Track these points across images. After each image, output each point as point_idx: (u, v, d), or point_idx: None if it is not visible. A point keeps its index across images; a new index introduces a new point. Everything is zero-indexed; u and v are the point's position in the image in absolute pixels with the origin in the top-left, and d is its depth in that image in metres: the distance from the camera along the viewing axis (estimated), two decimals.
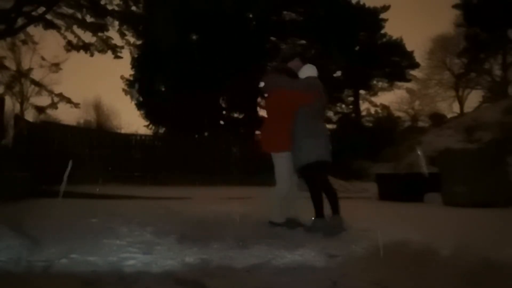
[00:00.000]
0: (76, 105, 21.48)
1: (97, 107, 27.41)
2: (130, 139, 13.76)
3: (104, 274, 1.96)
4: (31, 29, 15.97)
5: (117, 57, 16.76)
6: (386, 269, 2.15)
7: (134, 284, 1.83)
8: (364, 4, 21.02)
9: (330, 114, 21.09)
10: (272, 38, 20.67)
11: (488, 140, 10.47)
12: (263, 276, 2.03)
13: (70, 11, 15.06)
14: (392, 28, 34.77)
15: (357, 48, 21.20)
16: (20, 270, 2.00)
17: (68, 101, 21.07)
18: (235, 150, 15.17)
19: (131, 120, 48.96)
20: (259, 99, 19.16)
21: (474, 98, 30.97)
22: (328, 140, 3.53)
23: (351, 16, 19.53)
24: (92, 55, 16.47)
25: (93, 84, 46.20)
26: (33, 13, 13.85)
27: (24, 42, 17.07)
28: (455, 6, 21.95)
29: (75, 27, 15.74)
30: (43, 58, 18.93)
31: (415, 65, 22.88)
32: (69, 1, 14.53)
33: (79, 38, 16.06)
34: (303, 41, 20.94)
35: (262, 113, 19.56)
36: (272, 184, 3.65)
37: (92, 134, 13.99)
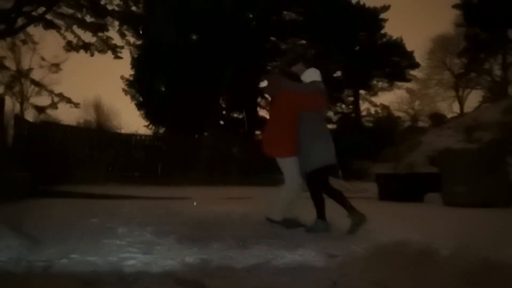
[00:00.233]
0: (76, 105, 21.51)
1: (97, 107, 27.39)
2: (130, 139, 13.76)
3: (104, 274, 1.96)
4: (31, 29, 15.99)
5: (117, 57, 16.76)
6: (386, 269, 2.15)
7: (134, 284, 1.83)
8: (364, 4, 21.01)
9: (330, 114, 21.09)
10: (272, 38, 20.68)
11: (488, 140, 10.46)
12: (263, 276, 2.03)
13: (70, 11, 15.05)
14: (392, 28, 34.78)
15: (357, 48, 21.19)
16: (20, 270, 2.00)
17: (68, 101, 21.10)
18: (235, 150, 15.18)
19: (131, 120, 48.91)
20: (259, 99, 19.20)
21: (474, 98, 31.01)
22: (333, 143, 3.54)
23: (351, 16, 19.51)
24: (92, 55, 16.48)
25: (93, 84, 46.15)
26: (33, 13, 13.85)
27: (24, 42, 17.08)
28: (455, 6, 21.96)
29: (75, 27, 15.75)
30: (43, 58, 18.95)
31: (415, 65, 22.87)
32: (69, 1, 14.52)
33: (79, 38, 16.07)
34: (303, 41, 20.95)
35: (263, 113, 19.64)
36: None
37: (92, 134, 13.99)
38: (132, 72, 19.03)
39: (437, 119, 22.27)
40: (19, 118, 10.65)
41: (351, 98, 22.66)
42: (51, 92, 21.28)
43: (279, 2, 19.28)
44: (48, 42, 20.46)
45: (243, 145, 14.77)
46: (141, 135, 14.73)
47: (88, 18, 15.39)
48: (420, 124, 24.90)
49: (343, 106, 22.58)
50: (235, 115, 20.29)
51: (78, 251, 2.35)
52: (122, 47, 16.74)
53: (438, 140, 13.05)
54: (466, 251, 2.46)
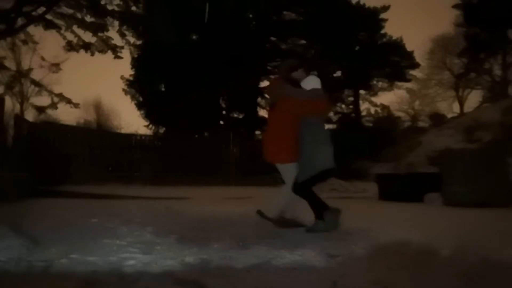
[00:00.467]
0: (76, 106, 21.46)
1: (97, 107, 27.46)
2: (130, 139, 13.77)
3: (104, 274, 1.96)
4: (31, 29, 15.95)
5: (117, 57, 16.72)
6: (386, 269, 2.15)
7: (134, 284, 1.83)
8: (364, 4, 21.04)
9: (330, 114, 21.09)
10: (272, 38, 20.69)
11: (488, 140, 10.45)
12: (263, 276, 2.03)
13: (70, 11, 15.03)
14: (392, 28, 34.80)
15: (357, 48, 21.20)
16: (20, 270, 2.00)
17: (68, 101, 21.03)
18: (235, 150, 15.18)
19: (131, 120, 48.83)
20: (259, 99, 19.21)
21: (474, 98, 30.89)
22: (332, 147, 3.57)
23: (351, 16, 19.54)
24: (92, 55, 16.45)
25: (93, 84, 46.29)
26: (33, 13, 13.83)
27: (24, 42, 17.04)
28: (455, 6, 21.96)
29: (75, 27, 15.73)
30: (43, 58, 18.89)
31: (415, 65, 22.89)
32: (69, 1, 14.50)
33: (79, 38, 16.04)
34: (303, 41, 20.96)
35: (263, 113, 19.63)
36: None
37: (92, 134, 14.02)
38: (132, 72, 19.07)
39: (437, 119, 22.28)
40: (19, 118, 10.66)
41: (351, 98, 22.68)
42: (51, 92, 21.26)
43: (279, 2, 19.30)
44: (48, 42, 20.46)
45: (243, 145, 14.77)
46: (141, 135, 14.75)
47: (88, 18, 15.37)
48: (420, 124, 24.93)
49: (343, 106, 22.61)
50: (235, 115, 20.30)
51: (78, 251, 2.35)
52: (122, 47, 16.71)
53: (438, 140, 13.01)
54: (466, 251, 2.46)
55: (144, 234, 3.06)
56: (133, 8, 15.70)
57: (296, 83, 3.62)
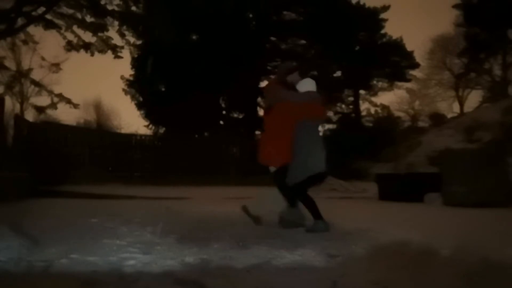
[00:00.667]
0: (76, 106, 21.46)
1: (97, 107, 27.42)
2: (130, 139, 13.77)
3: (104, 274, 1.96)
4: (31, 29, 15.96)
5: (117, 57, 16.73)
6: (386, 269, 2.15)
7: (134, 284, 1.83)
8: (364, 4, 21.03)
9: (330, 114, 21.10)
10: (272, 38, 20.68)
11: (488, 140, 10.46)
12: (263, 276, 2.03)
13: (70, 11, 15.03)
14: (392, 28, 34.81)
15: (357, 48, 21.20)
16: (20, 270, 2.00)
17: (68, 101, 21.03)
18: (235, 150, 15.18)
19: (131, 120, 48.81)
20: (259, 99, 19.20)
21: (474, 98, 30.94)
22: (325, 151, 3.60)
23: (351, 16, 19.53)
24: (92, 55, 16.45)
25: (93, 84, 46.25)
26: (33, 13, 13.83)
27: (24, 42, 17.04)
28: (455, 6, 21.96)
29: (75, 27, 15.73)
30: (43, 58, 18.89)
31: (415, 65, 22.88)
32: (69, 1, 14.50)
33: (79, 38, 16.05)
34: (303, 41, 20.95)
35: (263, 113, 19.61)
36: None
37: (92, 134, 14.01)
38: (132, 72, 19.05)
39: (437, 119, 22.28)
40: (19, 118, 10.66)
41: (351, 98, 22.66)
42: (51, 92, 21.26)
43: (279, 2, 19.29)
44: (48, 42, 20.45)
45: (243, 145, 14.76)
46: (141, 135, 14.74)
47: (88, 18, 15.37)
48: (420, 124, 24.93)
49: (343, 106, 22.60)
50: (235, 115, 20.29)
51: (78, 251, 2.35)
52: (122, 47, 16.72)
53: (438, 140, 13.03)
54: (466, 251, 2.46)
55: (144, 234, 3.06)
56: (133, 8, 15.71)
57: (292, 86, 3.63)
